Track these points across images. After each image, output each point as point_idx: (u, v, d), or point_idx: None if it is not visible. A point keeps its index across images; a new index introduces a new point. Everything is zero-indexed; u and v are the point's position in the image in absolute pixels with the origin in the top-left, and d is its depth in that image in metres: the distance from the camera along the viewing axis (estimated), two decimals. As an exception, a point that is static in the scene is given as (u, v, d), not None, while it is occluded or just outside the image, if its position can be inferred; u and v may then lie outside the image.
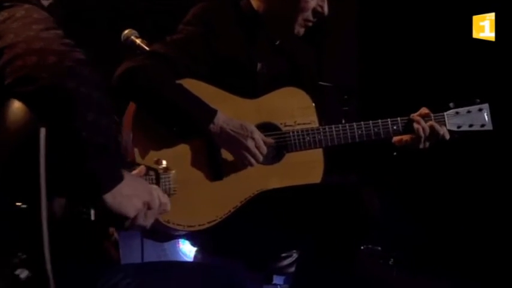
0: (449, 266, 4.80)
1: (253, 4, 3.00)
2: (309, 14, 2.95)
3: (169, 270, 2.09)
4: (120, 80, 2.69)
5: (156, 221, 2.29)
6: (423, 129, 2.98)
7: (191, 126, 2.72)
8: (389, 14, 5.08)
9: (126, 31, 2.99)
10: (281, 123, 2.93)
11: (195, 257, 3.12)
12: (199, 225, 2.72)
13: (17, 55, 1.72)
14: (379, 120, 3.00)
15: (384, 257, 4.35)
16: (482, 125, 3.11)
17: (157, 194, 2.02)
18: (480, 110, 3.11)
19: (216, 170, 2.78)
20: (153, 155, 2.69)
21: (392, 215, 4.52)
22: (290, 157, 2.91)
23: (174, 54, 2.77)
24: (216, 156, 2.79)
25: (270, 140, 2.84)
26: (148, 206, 1.95)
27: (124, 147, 2.68)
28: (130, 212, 1.88)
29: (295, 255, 2.97)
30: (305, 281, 2.77)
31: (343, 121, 3.09)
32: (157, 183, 2.20)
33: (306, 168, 2.94)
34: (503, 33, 4.09)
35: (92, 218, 1.87)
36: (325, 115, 3.06)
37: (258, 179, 2.84)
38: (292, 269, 2.92)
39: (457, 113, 3.08)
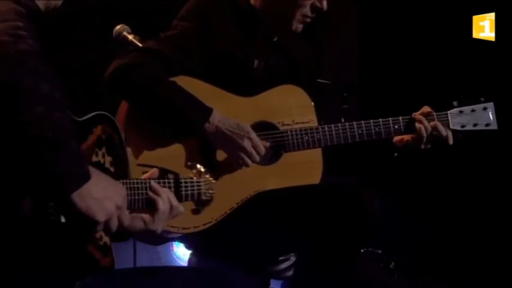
0: (452, 270, 4.80)
1: (250, -1, 3.00)
2: (307, 10, 2.95)
3: (162, 275, 2.09)
4: (112, 78, 2.69)
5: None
6: (425, 128, 2.98)
7: (185, 125, 2.72)
8: (390, 12, 5.09)
9: (118, 27, 2.98)
10: (279, 122, 2.93)
11: (189, 260, 3.11)
12: (194, 227, 2.72)
13: None
14: (380, 120, 3.00)
15: (385, 260, 4.34)
16: (487, 125, 3.11)
17: (167, 197, 2.01)
18: (485, 108, 3.11)
19: (211, 170, 2.77)
20: (146, 155, 2.69)
21: (393, 217, 4.52)
22: (288, 157, 2.91)
23: (168, 51, 2.76)
24: (211, 156, 2.79)
25: (265, 142, 2.84)
26: (120, 210, 1.92)
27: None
28: (100, 216, 1.85)
29: (293, 259, 2.97)
30: (303, 285, 2.77)
31: (343, 120, 3.10)
32: (177, 187, 2.19)
33: (304, 168, 2.94)
34: (503, 33, 4.13)
35: (62, 220, 1.85)
36: (324, 114, 3.06)
37: (255, 179, 2.84)
38: (290, 273, 2.92)
39: (461, 112, 3.08)
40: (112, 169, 2.08)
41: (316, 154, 2.97)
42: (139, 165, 2.27)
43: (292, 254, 2.97)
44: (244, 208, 2.81)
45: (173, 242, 4.22)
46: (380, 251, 4.35)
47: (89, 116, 2.02)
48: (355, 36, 5.43)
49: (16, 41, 1.73)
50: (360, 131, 2.97)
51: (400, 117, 3.03)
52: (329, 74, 3.94)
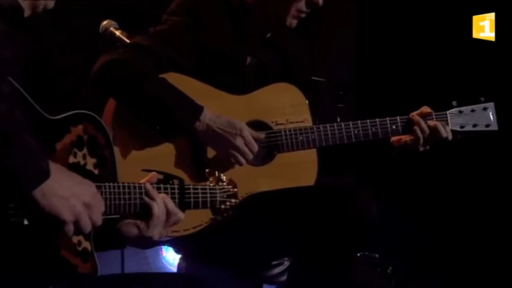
0: (451, 274, 4.81)
1: (242, -7, 3.01)
2: (302, 5, 2.95)
3: (149, 282, 2.08)
4: (98, 74, 2.69)
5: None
6: (422, 131, 2.98)
7: (175, 124, 2.72)
8: (390, 10, 5.12)
9: (105, 22, 2.98)
10: (272, 122, 2.93)
11: (179, 265, 3.11)
12: (184, 230, 2.72)
13: None
14: (377, 119, 3.01)
15: (382, 264, 4.35)
16: (487, 125, 3.12)
17: (162, 202, 2.01)
18: (485, 109, 3.12)
19: (202, 171, 2.77)
20: (134, 155, 2.69)
21: (391, 219, 4.52)
22: (282, 158, 2.91)
23: (157, 47, 2.76)
24: (202, 156, 2.79)
25: (260, 135, 2.84)
26: (89, 209, 1.90)
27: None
28: (66, 215, 1.83)
29: (286, 263, 2.97)
30: (297, 290, 2.78)
31: (338, 119, 3.10)
32: (182, 193, 2.19)
33: (298, 169, 2.94)
34: (503, 33, 4.19)
35: (25, 222, 1.83)
36: (319, 113, 3.06)
37: (247, 181, 2.84)
38: (284, 278, 2.92)
39: (460, 112, 3.09)
40: (96, 171, 2.06)
41: (311, 155, 2.98)
42: (144, 170, 2.26)
43: (285, 258, 2.97)
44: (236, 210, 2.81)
45: (162, 247, 4.21)
46: (377, 255, 4.36)
47: (66, 114, 2.00)
48: (353, 33, 5.44)
49: None
50: (356, 131, 2.98)
51: (398, 117, 3.03)
52: (324, 71, 3.93)
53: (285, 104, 2.96)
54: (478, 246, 4.81)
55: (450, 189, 4.94)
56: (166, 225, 2.14)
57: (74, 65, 3.76)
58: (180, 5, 2.89)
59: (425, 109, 3.07)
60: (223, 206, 2.31)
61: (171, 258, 4.31)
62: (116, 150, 2.64)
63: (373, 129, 2.99)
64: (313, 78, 3.39)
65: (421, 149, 3.02)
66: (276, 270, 2.99)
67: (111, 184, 2.04)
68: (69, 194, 1.84)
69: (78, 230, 1.88)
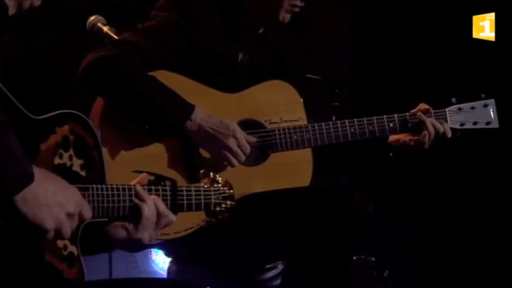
0: (451, 279, 4.82)
1: (234, -12, 3.01)
2: None
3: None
4: (86, 72, 2.69)
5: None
6: (429, 136, 2.98)
7: (166, 124, 2.72)
8: (387, 8, 5.14)
9: (92, 18, 2.98)
10: (265, 120, 2.93)
11: (169, 269, 3.11)
12: (175, 232, 2.72)
13: None
14: (374, 117, 3.01)
15: (379, 268, 4.35)
16: (488, 123, 3.12)
17: (153, 204, 2.00)
18: (485, 105, 3.12)
19: (193, 172, 2.78)
20: (123, 155, 2.69)
21: (388, 222, 4.54)
22: (275, 158, 2.91)
23: (146, 43, 2.76)
24: (194, 156, 2.79)
25: (252, 138, 2.84)
26: (81, 217, 1.90)
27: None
28: (48, 224, 1.81)
29: (280, 267, 2.97)
30: (291, 294, 2.78)
31: (334, 118, 3.09)
32: (174, 195, 2.19)
33: (293, 170, 2.95)
34: (503, 33, 4.24)
35: (4, 226, 1.82)
36: (314, 111, 3.07)
37: (240, 182, 2.83)
38: (277, 282, 2.93)
39: (459, 109, 3.09)
40: (83, 173, 2.05)
41: (306, 154, 2.98)
42: (134, 171, 2.26)
43: (279, 261, 2.97)
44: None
45: (152, 250, 4.21)
46: (373, 259, 4.36)
47: (51, 114, 1.98)
48: (348, 29, 5.45)
49: None
50: (352, 130, 2.98)
51: (396, 115, 3.04)
52: (319, 68, 3.93)
53: (278, 102, 2.96)
54: (478, 249, 4.82)
55: (449, 190, 4.94)
56: (157, 228, 2.14)
57: (59, 63, 3.75)
58: (169, 0, 2.88)
59: (423, 106, 3.08)
60: (218, 208, 2.31)
61: (160, 261, 4.31)
62: (104, 151, 2.64)
63: (370, 127, 3.00)
64: (308, 75, 3.39)
65: (421, 149, 3.02)
66: (270, 274, 2.99)
67: (98, 186, 2.03)
68: (53, 202, 1.81)
69: (58, 236, 1.87)
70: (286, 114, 2.96)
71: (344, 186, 3.00)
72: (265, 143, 2.90)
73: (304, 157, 2.97)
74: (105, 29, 2.93)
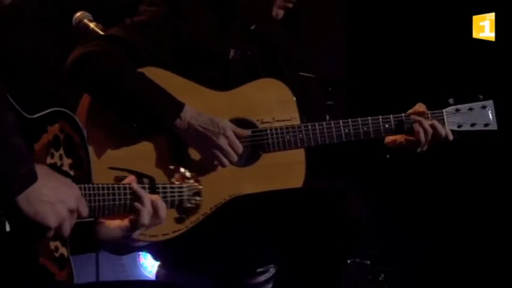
0: (448, 283, 4.84)
1: (225, -18, 3.01)
2: None
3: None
4: (72, 68, 2.69)
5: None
6: (425, 133, 2.98)
7: (154, 122, 2.72)
8: (385, 7, 5.17)
9: (78, 14, 2.98)
10: (257, 120, 2.93)
11: (157, 272, 3.11)
12: (163, 234, 2.72)
13: None
14: (369, 118, 3.01)
15: (374, 272, 4.37)
16: (486, 124, 3.12)
17: (150, 203, 2.01)
18: (484, 107, 3.12)
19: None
20: (110, 154, 2.69)
21: (383, 224, 4.55)
22: (267, 158, 2.91)
23: (135, 39, 2.76)
24: (183, 156, 2.79)
25: (245, 132, 2.84)
26: (78, 214, 1.91)
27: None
28: (51, 221, 1.83)
29: (272, 271, 2.97)
30: (284, 299, 2.78)
31: (328, 118, 3.10)
32: (152, 192, 2.20)
33: (285, 170, 2.95)
34: (503, 33, 4.32)
35: (7, 229, 1.83)
36: (307, 111, 3.07)
37: (231, 182, 2.84)
38: (269, 286, 2.93)
39: (457, 110, 3.09)
40: (72, 172, 2.06)
41: (299, 155, 2.98)
42: (110, 168, 2.26)
43: (271, 265, 2.97)
44: (219, 214, 2.81)
45: (140, 253, 4.21)
46: (368, 262, 4.37)
47: (44, 113, 2.00)
48: (343, 26, 5.46)
49: None
50: (346, 130, 2.98)
51: (391, 116, 3.04)
52: (313, 66, 3.94)
53: (271, 101, 2.96)
54: (475, 252, 4.83)
55: (446, 192, 4.96)
56: (149, 227, 2.14)
57: (45, 59, 3.75)
58: (158, -6, 2.89)
59: (420, 107, 3.08)
60: (189, 205, 2.31)
61: (149, 265, 4.31)
62: (91, 149, 2.64)
63: (365, 128, 3.00)
64: (301, 73, 3.39)
65: (419, 150, 3.02)
66: (261, 278, 2.99)
67: (86, 186, 2.04)
68: (54, 199, 1.83)
69: (57, 234, 1.89)
70: (278, 113, 2.96)
71: (338, 188, 3.00)
72: (257, 143, 2.90)
73: (297, 158, 2.97)
74: (92, 25, 2.93)
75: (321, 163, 3.09)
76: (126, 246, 2.80)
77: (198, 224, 2.77)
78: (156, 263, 3.14)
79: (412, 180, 4.91)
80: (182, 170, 2.32)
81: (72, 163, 2.06)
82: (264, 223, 2.82)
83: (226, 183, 2.83)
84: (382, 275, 4.35)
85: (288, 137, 2.93)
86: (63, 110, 2.06)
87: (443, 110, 3.07)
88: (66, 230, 1.88)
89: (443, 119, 3.06)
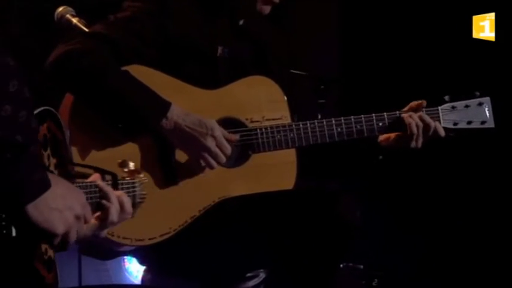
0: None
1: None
2: None
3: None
4: (54, 66, 2.68)
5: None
6: (416, 125, 2.99)
7: (140, 122, 2.72)
8: (382, 5, 5.20)
9: (60, 9, 2.97)
10: (246, 119, 2.93)
11: (143, 277, 3.11)
12: (150, 238, 2.72)
13: None
14: (362, 116, 3.02)
15: (367, 276, 4.37)
16: (483, 122, 3.13)
17: (116, 200, 2.01)
18: (480, 104, 3.13)
19: (169, 173, 2.78)
20: (94, 155, 2.68)
21: (377, 227, 4.55)
22: (257, 159, 2.91)
23: (119, 36, 2.76)
24: (170, 157, 2.79)
25: (234, 135, 2.84)
26: (84, 220, 1.94)
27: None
28: (59, 228, 1.86)
29: (262, 276, 2.97)
30: (274, 305, 2.79)
31: (320, 116, 3.10)
32: (115, 189, 2.19)
33: (276, 171, 2.95)
34: (503, 33, 4.37)
35: (13, 234, 1.84)
36: (298, 109, 3.07)
37: (219, 184, 2.84)
38: (260, 291, 2.93)
39: (453, 107, 3.10)
40: (56, 172, 2.08)
41: (290, 155, 2.98)
42: (71, 164, 2.26)
43: (261, 270, 2.97)
44: (207, 217, 2.81)
45: (125, 257, 4.21)
46: (362, 266, 4.38)
47: (35, 112, 1.99)
48: (336, 23, 5.47)
49: None
50: (339, 129, 2.99)
51: (385, 113, 3.04)
52: (304, 63, 3.94)
53: (260, 100, 2.96)
54: (471, 257, 4.85)
55: (442, 193, 4.97)
56: (116, 224, 2.15)
57: (26, 57, 3.73)
58: (143, -10, 2.89)
59: (414, 104, 3.08)
60: (139, 200, 2.32)
61: (134, 270, 4.30)
62: (74, 150, 2.65)
63: (358, 126, 3.01)
64: (292, 71, 3.40)
65: (413, 145, 3.02)
66: (251, 283, 2.99)
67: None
68: (62, 206, 1.86)
69: (64, 242, 1.92)
70: (268, 112, 2.97)
71: (330, 190, 3.01)
72: (246, 143, 2.90)
73: (287, 158, 2.98)
74: (75, 20, 2.92)
75: (312, 164, 3.10)
76: (110, 250, 2.80)
77: (185, 227, 2.78)
78: (142, 268, 3.13)
79: (407, 182, 4.92)
80: (131, 164, 2.31)
81: (56, 163, 2.08)
82: (254, 226, 2.82)
83: (215, 185, 2.83)
84: (376, 280, 4.36)
85: (278, 136, 2.93)
86: (49, 108, 2.07)
87: (439, 108, 3.08)
88: (73, 237, 1.91)
89: (439, 117, 3.07)
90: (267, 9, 2.99)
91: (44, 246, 1.96)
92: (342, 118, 2.99)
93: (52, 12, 2.97)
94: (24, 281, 1.89)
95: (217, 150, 2.78)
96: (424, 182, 4.98)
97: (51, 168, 2.06)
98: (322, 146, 2.99)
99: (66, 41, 2.73)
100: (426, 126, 2.99)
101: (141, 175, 2.31)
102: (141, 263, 3.10)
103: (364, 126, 3.01)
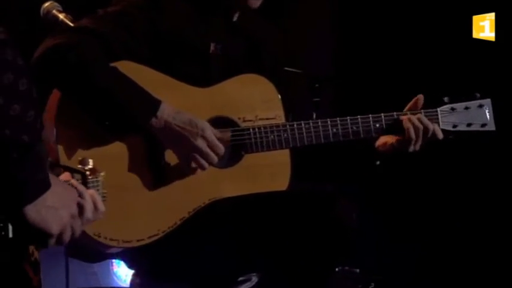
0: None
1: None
2: None
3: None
4: (40, 62, 2.67)
5: (84, 235, 2.28)
6: (415, 128, 2.98)
7: (128, 120, 2.71)
8: (379, 4, 5.22)
9: (47, 4, 2.96)
10: (239, 118, 2.93)
11: (132, 281, 3.10)
12: (138, 240, 2.72)
13: None
14: (359, 117, 3.01)
15: (363, 281, 4.37)
16: (483, 125, 3.13)
17: (90, 200, 2.01)
18: (480, 106, 3.13)
19: (158, 173, 2.78)
20: (81, 155, 2.67)
21: (374, 230, 4.55)
22: (250, 159, 2.91)
23: (108, 31, 2.75)
24: (159, 157, 2.78)
25: (226, 135, 2.84)
26: (74, 220, 1.94)
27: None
28: (55, 228, 1.87)
29: (254, 280, 2.97)
30: (267, 310, 2.79)
31: (315, 116, 3.10)
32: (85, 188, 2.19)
33: (269, 172, 2.95)
34: (503, 33, 4.44)
35: (10, 235, 1.85)
36: (293, 108, 3.06)
37: (210, 185, 2.84)
38: (252, 296, 2.93)
39: (452, 109, 3.10)
40: None
41: (283, 156, 2.98)
42: None
43: (253, 273, 2.97)
44: (198, 219, 2.81)
45: (113, 261, 4.20)
46: (358, 270, 4.38)
47: None
48: (332, 19, 5.48)
49: None
50: (334, 130, 2.98)
51: (382, 114, 3.04)
52: (299, 61, 3.95)
53: (253, 98, 2.96)
54: (468, 261, 4.86)
55: (440, 197, 4.98)
56: (88, 223, 2.15)
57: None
58: (133, -17, 2.88)
59: (412, 103, 3.08)
60: (103, 199, 2.31)
61: (122, 273, 4.31)
62: (60, 149, 2.64)
63: (354, 127, 3.00)
64: (287, 68, 3.39)
65: (411, 149, 3.01)
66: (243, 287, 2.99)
67: None
68: (59, 204, 1.88)
69: (59, 242, 1.93)
70: (262, 111, 2.96)
71: (325, 192, 3.01)
72: (239, 143, 2.90)
73: (281, 159, 2.97)
74: (61, 16, 2.92)
75: (307, 166, 3.09)
76: (97, 253, 2.80)
77: (175, 229, 2.77)
78: (131, 271, 3.13)
79: (404, 184, 4.93)
80: (91, 161, 2.31)
81: None
82: (245, 229, 2.82)
83: (206, 186, 2.83)
84: (373, 284, 4.36)
85: (272, 136, 2.92)
86: None
87: (438, 109, 3.07)
88: (67, 236, 1.93)
89: (438, 119, 3.06)
90: (255, 3, 2.97)
91: (31, 248, 1.96)
92: (338, 119, 2.99)
93: (38, 7, 2.97)
94: (13, 284, 1.90)
95: (209, 151, 2.77)
96: (423, 184, 4.99)
97: None
98: (317, 149, 2.99)
99: (53, 36, 2.73)
100: (424, 128, 2.99)
101: (102, 173, 2.30)
102: (130, 266, 3.09)
103: (361, 127, 3.01)
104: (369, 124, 3.02)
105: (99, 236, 2.63)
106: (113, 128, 2.72)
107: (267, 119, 2.96)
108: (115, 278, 4.34)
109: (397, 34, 5.10)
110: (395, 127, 3.03)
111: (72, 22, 2.88)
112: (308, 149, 2.97)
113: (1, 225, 1.83)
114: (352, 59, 5.26)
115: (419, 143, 3.00)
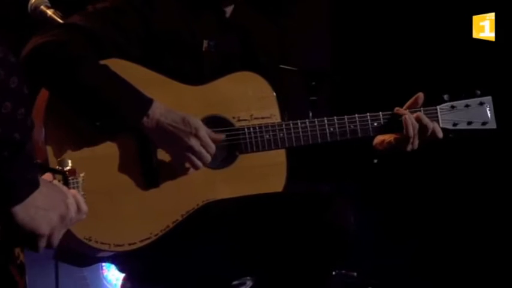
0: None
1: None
2: None
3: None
4: (28, 60, 2.67)
5: (74, 239, 2.28)
6: (413, 126, 2.98)
7: (119, 119, 2.71)
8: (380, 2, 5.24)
9: (34, -1, 2.96)
10: (233, 117, 2.92)
11: (122, 286, 3.10)
12: (130, 244, 2.71)
13: None
14: (356, 115, 3.01)
15: (361, 284, 4.38)
16: (484, 123, 3.13)
17: (73, 200, 2.01)
18: (481, 103, 3.13)
19: (150, 175, 2.77)
20: (70, 155, 2.67)
21: (371, 233, 4.55)
22: (244, 159, 2.91)
23: (97, 28, 2.74)
24: (151, 157, 2.78)
25: (219, 135, 2.83)
26: (63, 221, 1.94)
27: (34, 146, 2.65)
28: (45, 229, 1.87)
29: (249, 283, 2.96)
30: (262, 315, 2.78)
31: (311, 115, 3.10)
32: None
33: (264, 173, 2.94)
34: (503, 33, 4.50)
35: None
36: (288, 107, 3.06)
37: (204, 186, 2.84)
38: (246, 301, 2.92)
39: (452, 107, 3.10)
40: None
41: (279, 156, 2.98)
42: None
43: (248, 277, 2.96)
44: (191, 221, 2.80)
45: (103, 264, 4.20)
46: (355, 274, 4.39)
47: None
48: (329, 15, 5.49)
49: None
50: (331, 129, 2.98)
51: (380, 113, 3.04)
52: (295, 58, 3.95)
53: (248, 97, 2.96)
54: (466, 264, 4.87)
55: (438, 199, 4.99)
56: (71, 224, 2.16)
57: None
58: (124, -21, 2.87)
59: (411, 101, 3.08)
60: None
61: (113, 278, 4.30)
62: (49, 149, 2.64)
63: (352, 126, 3.00)
64: (282, 66, 3.39)
65: (410, 148, 3.01)
66: (237, 292, 2.99)
67: None
68: (48, 205, 1.88)
69: (49, 244, 1.92)
70: (257, 110, 2.96)
71: (322, 193, 3.00)
72: (233, 143, 2.90)
73: (277, 159, 2.97)
74: (49, 12, 2.91)
75: (303, 165, 3.09)
76: (87, 256, 2.79)
77: (168, 232, 2.77)
78: (121, 276, 3.13)
79: (401, 187, 4.94)
80: (70, 162, 2.30)
81: None
82: (240, 231, 2.81)
83: (199, 187, 2.82)
84: (370, 287, 4.38)
85: (267, 136, 2.92)
86: None
87: (437, 107, 3.08)
88: (56, 238, 1.93)
89: (437, 117, 3.06)
90: None
91: (16, 250, 1.97)
92: (335, 117, 2.99)
93: (25, 3, 2.96)
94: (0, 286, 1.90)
95: (202, 150, 2.77)
96: (417, 191, 5.00)
97: None
98: (314, 148, 2.98)
99: (41, 33, 2.72)
100: (424, 127, 2.99)
101: (82, 174, 2.30)
102: (120, 270, 3.08)
103: (358, 126, 3.01)
104: (367, 123, 3.02)
105: (90, 240, 2.63)
106: (104, 127, 2.71)
107: (262, 118, 2.96)
108: (105, 282, 4.34)
109: (397, 34, 5.13)
110: (393, 125, 3.03)
111: (61, 18, 2.87)
112: (304, 148, 2.97)
113: None
114: (349, 57, 5.27)
115: (417, 141, 3.00)
